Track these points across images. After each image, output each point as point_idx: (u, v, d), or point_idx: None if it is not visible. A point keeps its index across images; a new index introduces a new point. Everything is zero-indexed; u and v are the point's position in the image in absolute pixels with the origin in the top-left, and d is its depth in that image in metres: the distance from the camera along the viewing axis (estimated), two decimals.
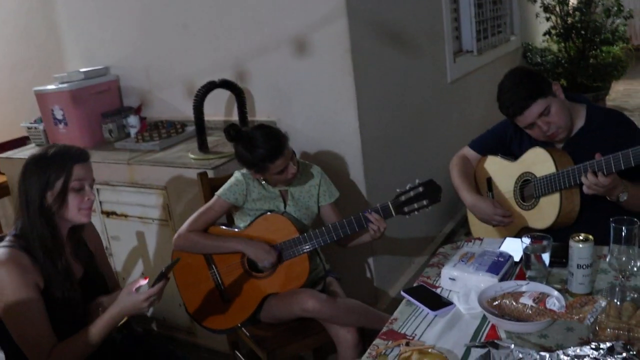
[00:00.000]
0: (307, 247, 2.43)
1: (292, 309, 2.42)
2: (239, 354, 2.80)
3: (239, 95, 3.16)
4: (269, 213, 2.50)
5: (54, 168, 1.93)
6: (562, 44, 7.23)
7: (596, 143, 2.28)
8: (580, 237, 1.77)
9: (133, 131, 3.56)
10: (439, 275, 1.97)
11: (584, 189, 2.15)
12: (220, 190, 2.54)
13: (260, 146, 2.38)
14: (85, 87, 3.56)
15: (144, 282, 1.90)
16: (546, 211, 2.33)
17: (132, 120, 3.58)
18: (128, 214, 3.21)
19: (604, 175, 2.07)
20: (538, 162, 2.34)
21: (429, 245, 3.94)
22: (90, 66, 3.74)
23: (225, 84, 3.12)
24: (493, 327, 1.67)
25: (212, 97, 3.07)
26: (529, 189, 2.40)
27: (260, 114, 3.34)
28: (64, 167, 1.94)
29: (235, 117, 3.27)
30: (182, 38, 3.47)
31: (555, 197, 2.28)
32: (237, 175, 2.57)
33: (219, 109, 3.45)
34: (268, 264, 2.42)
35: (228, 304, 2.53)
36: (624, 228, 1.70)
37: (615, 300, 1.66)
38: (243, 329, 2.58)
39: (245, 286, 2.51)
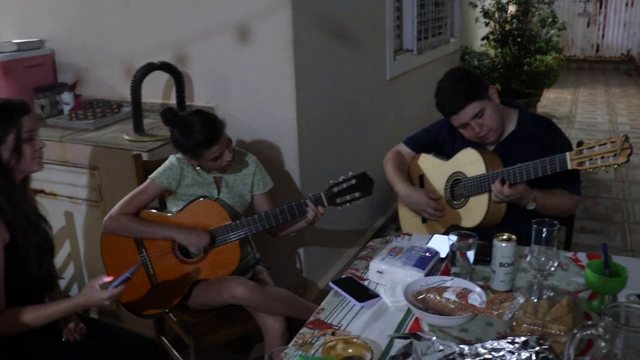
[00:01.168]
0: (239, 234, 2.44)
1: (221, 295, 2.42)
2: (165, 340, 2.78)
3: (178, 78, 3.12)
4: (202, 199, 2.50)
5: (3, 123, 1.96)
6: (499, 50, 7.44)
7: (525, 147, 2.37)
8: (504, 237, 1.84)
9: (66, 108, 3.47)
10: (367, 268, 2.01)
11: (492, 196, 2.25)
12: (154, 173, 2.51)
13: (197, 132, 2.37)
14: (17, 59, 3.43)
15: (107, 279, 1.98)
16: (474, 210, 2.40)
17: (66, 97, 3.48)
18: (57, 192, 3.13)
19: (510, 185, 2.19)
20: (469, 162, 2.41)
21: (360, 239, 4.00)
22: (24, 38, 3.61)
23: (164, 67, 3.07)
24: (417, 320, 1.72)
25: (150, 79, 3.02)
26: (459, 189, 2.47)
27: (199, 99, 3.31)
28: (13, 121, 1.97)
29: (173, 101, 3.23)
30: (124, 16, 3.40)
31: (484, 197, 2.36)
32: (171, 159, 2.55)
33: (157, 91, 3.40)
34: (201, 247, 2.41)
35: (157, 289, 2.51)
36: (544, 230, 1.78)
37: (533, 298, 1.74)
38: (170, 314, 2.57)
39: (175, 272, 2.49)
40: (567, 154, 2.10)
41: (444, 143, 2.59)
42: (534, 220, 1.81)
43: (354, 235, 3.95)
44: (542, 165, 2.15)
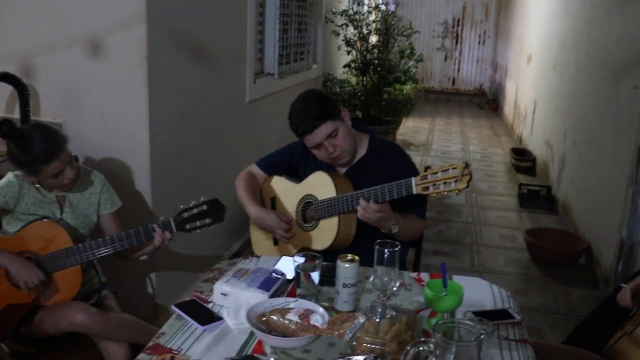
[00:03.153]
0: (81, 258, 2.30)
1: (59, 322, 2.27)
2: None
3: (23, 91, 2.95)
4: (43, 220, 2.35)
5: None
6: (360, 78, 7.67)
7: (375, 172, 2.42)
8: (347, 258, 1.86)
9: None
10: (212, 290, 1.96)
11: (359, 215, 2.27)
12: None
13: (35, 146, 2.23)
14: None
15: None
16: (325, 233, 2.42)
17: None
18: None
19: (375, 202, 2.20)
20: (320, 185, 2.43)
21: (216, 263, 3.92)
22: None
23: (6, 77, 2.91)
24: (259, 342, 1.69)
25: None
26: (311, 211, 2.48)
27: (46, 114, 3.13)
28: None
29: (17, 115, 3.03)
30: None
31: (334, 220, 2.38)
32: (9, 176, 2.38)
33: None
34: (30, 285, 2.25)
35: None
36: (386, 250, 1.82)
37: (375, 318, 1.76)
38: (3, 344, 2.38)
39: (7, 297, 2.31)
40: (413, 179, 2.15)
41: (297, 165, 2.60)
42: (376, 242, 1.85)
43: (210, 259, 3.87)
44: (390, 190, 2.20)
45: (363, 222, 2.36)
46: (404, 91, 7.87)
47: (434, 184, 2.10)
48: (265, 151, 2.73)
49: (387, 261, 1.84)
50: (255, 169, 2.67)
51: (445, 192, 2.08)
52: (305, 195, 2.49)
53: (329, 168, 2.49)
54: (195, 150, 3.57)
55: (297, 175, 2.60)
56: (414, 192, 2.15)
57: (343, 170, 2.51)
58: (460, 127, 10.35)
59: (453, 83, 13.82)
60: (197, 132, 3.60)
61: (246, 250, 4.30)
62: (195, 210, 2.28)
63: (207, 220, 2.29)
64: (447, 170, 2.07)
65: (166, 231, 2.31)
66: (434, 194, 2.12)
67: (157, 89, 3.01)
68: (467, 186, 2.06)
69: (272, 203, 2.62)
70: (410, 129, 9.66)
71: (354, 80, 7.83)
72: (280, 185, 2.62)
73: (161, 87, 3.06)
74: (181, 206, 2.30)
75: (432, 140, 9.08)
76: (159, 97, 3.05)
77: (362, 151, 2.53)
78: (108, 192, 2.56)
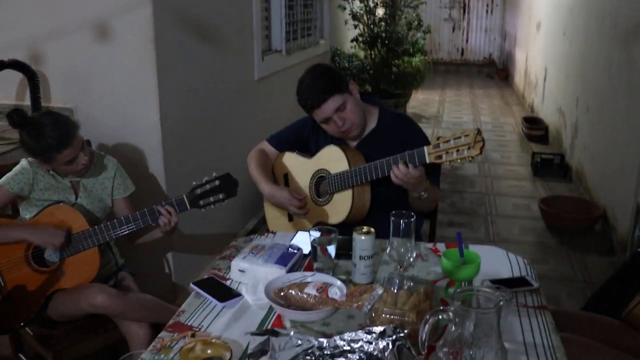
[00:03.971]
0: (98, 240, 2.32)
1: (79, 304, 2.30)
2: (23, 357, 2.61)
3: (32, 78, 2.96)
4: (59, 204, 2.36)
5: None
6: (368, 52, 7.62)
7: (386, 144, 2.41)
8: (363, 230, 1.86)
9: None
10: (229, 267, 1.97)
11: (392, 178, 2.19)
12: (3, 179, 2.35)
13: (47, 134, 2.24)
14: None
15: None
16: (339, 206, 2.42)
17: None
18: None
19: (415, 167, 2.15)
20: (332, 159, 2.43)
21: (231, 241, 3.94)
22: None
23: (16, 65, 2.90)
24: (279, 317, 1.71)
25: (1, 78, 2.84)
26: (324, 186, 2.48)
27: (56, 100, 3.14)
28: None
29: (28, 102, 3.05)
30: None
31: (348, 193, 2.38)
32: (23, 163, 2.40)
33: (9, 92, 3.20)
34: (56, 245, 2.26)
35: (9, 302, 2.34)
36: (402, 222, 1.82)
37: (393, 289, 1.77)
38: (27, 328, 2.41)
39: (29, 282, 2.34)
40: (425, 148, 2.14)
41: (307, 140, 2.60)
42: (391, 213, 1.85)
43: (225, 238, 3.87)
44: (402, 160, 2.19)
45: (377, 194, 2.36)
46: (413, 63, 7.81)
47: (447, 152, 2.08)
48: (275, 128, 2.72)
49: (403, 232, 1.84)
50: (266, 145, 2.66)
51: (459, 160, 2.06)
52: (318, 170, 2.49)
53: (340, 141, 2.48)
54: (206, 130, 3.58)
55: (307, 150, 2.60)
56: (427, 161, 2.13)
57: (354, 143, 2.51)
58: (470, 97, 10.28)
59: (462, 54, 13.71)
60: (208, 112, 3.59)
61: (261, 228, 4.31)
62: (208, 186, 2.28)
63: (221, 196, 2.29)
64: (460, 137, 2.05)
65: (172, 210, 2.31)
66: (448, 162, 2.10)
67: (165, 71, 3.00)
68: (480, 152, 2.04)
69: (285, 179, 2.62)
70: (421, 102, 9.60)
71: (362, 54, 7.78)
72: (292, 161, 2.61)
73: (169, 68, 3.05)
74: (194, 183, 2.31)
75: (443, 112, 9.03)
76: (168, 79, 3.04)
77: (372, 124, 2.51)
78: (121, 177, 2.57)
